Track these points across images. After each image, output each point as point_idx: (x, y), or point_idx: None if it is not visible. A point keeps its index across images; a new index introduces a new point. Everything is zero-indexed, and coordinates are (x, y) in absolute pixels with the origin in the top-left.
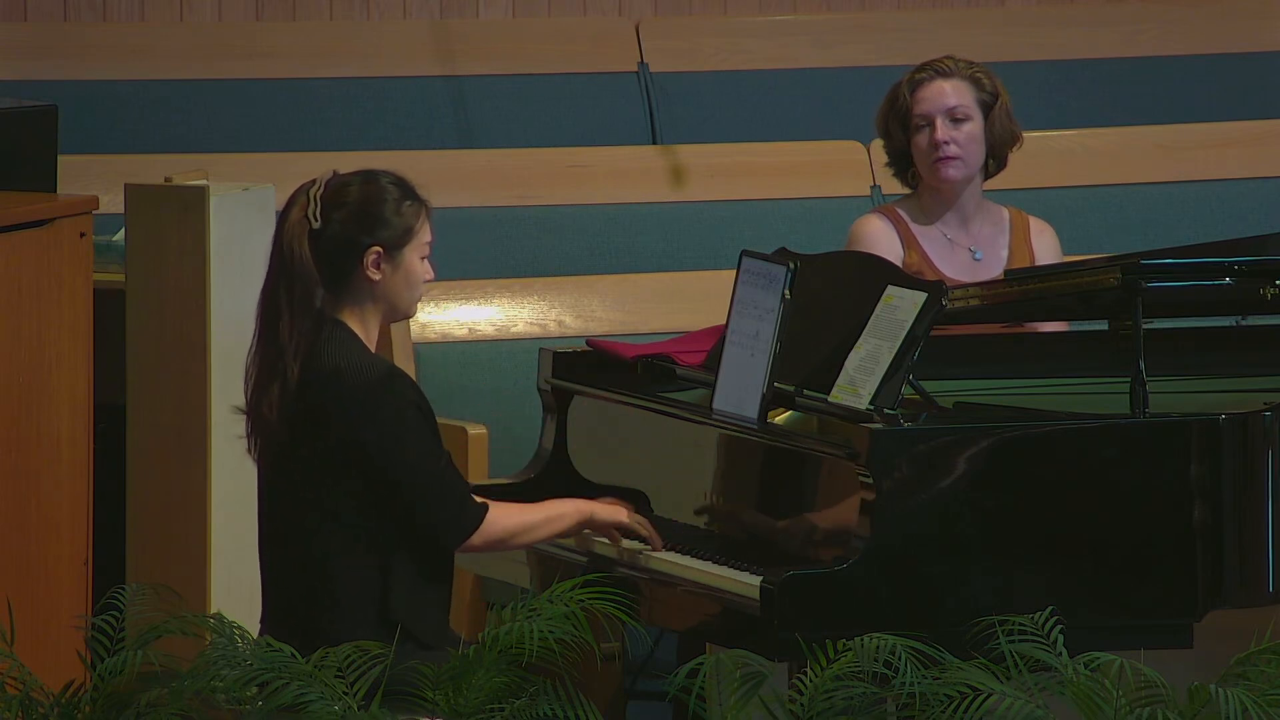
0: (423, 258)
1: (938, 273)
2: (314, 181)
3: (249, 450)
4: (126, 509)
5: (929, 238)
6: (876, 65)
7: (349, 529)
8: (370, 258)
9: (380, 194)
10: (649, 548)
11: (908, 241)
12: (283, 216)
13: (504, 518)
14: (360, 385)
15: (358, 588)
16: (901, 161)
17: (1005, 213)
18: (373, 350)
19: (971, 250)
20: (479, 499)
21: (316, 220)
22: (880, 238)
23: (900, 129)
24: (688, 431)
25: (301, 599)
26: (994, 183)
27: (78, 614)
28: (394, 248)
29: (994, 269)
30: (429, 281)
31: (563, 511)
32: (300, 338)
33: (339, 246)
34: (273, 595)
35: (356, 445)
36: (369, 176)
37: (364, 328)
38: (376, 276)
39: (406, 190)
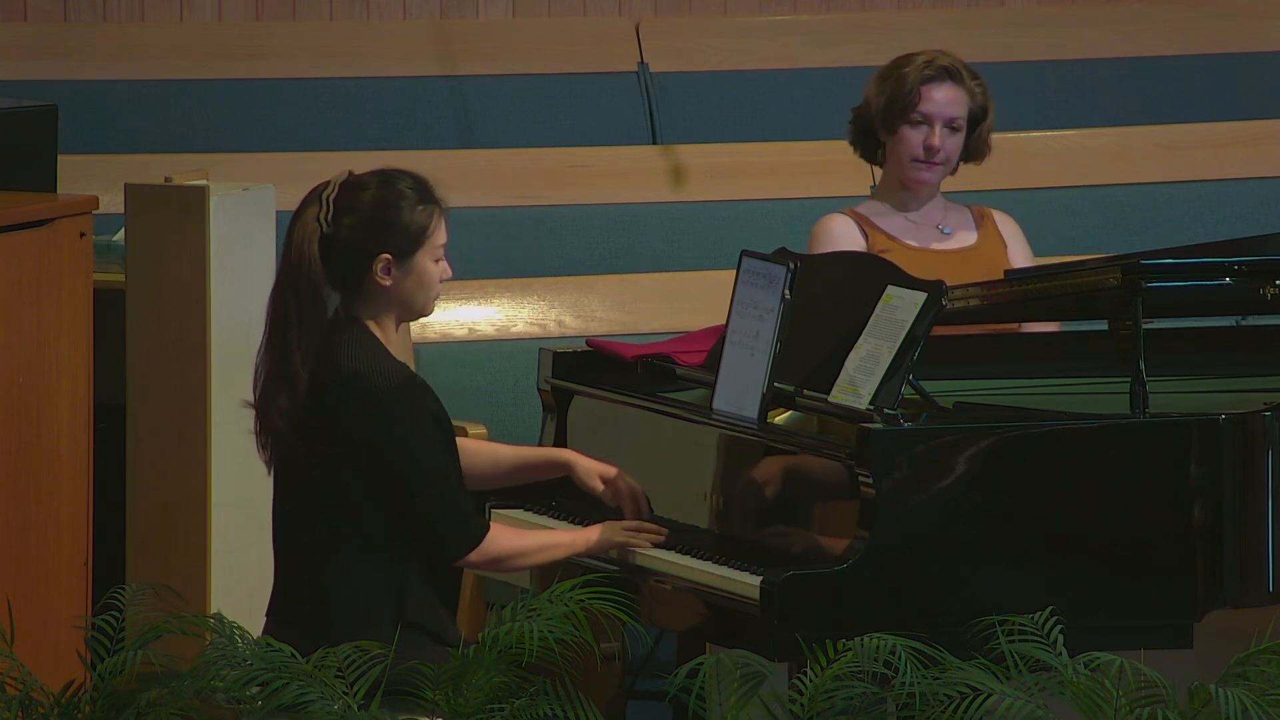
0: (436, 260)
1: (908, 247)
2: (328, 183)
3: (259, 449)
4: (126, 509)
5: (892, 222)
6: (876, 65)
7: (364, 534)
8: (379, 265)
9: (394, 199)
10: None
11: (869, 229)
12: (295, 218)
13: (503, 540)
14: (378, 389)
15: (372, 592)
16: (868, 129)
17: (967, 208)
18: (393, 350)
19: (939, 227)
20: (482, 519)
21: (327, 225)
22: (839, 234)
23: (897, 115)
24: (688, 431)
25: (315, 600)
26: (993, 182)
27: (78, 614)
28: (404, 254)
29: (965, 243)
30: (446, 281)
31: (558, 542)
32: (309, 344)
33: (348, 253)
34: (285, 592)
35: (370, 448)
36: (385, 179)
37: (382, 330)
38: (386, 282)
39: (423, 192)
